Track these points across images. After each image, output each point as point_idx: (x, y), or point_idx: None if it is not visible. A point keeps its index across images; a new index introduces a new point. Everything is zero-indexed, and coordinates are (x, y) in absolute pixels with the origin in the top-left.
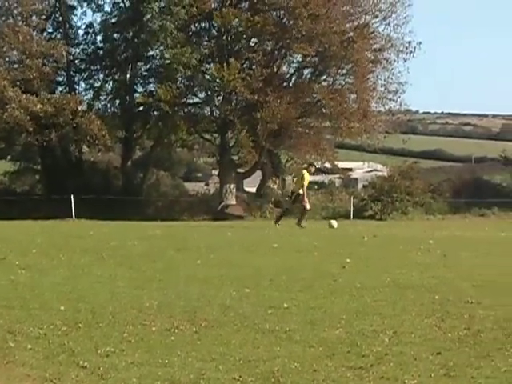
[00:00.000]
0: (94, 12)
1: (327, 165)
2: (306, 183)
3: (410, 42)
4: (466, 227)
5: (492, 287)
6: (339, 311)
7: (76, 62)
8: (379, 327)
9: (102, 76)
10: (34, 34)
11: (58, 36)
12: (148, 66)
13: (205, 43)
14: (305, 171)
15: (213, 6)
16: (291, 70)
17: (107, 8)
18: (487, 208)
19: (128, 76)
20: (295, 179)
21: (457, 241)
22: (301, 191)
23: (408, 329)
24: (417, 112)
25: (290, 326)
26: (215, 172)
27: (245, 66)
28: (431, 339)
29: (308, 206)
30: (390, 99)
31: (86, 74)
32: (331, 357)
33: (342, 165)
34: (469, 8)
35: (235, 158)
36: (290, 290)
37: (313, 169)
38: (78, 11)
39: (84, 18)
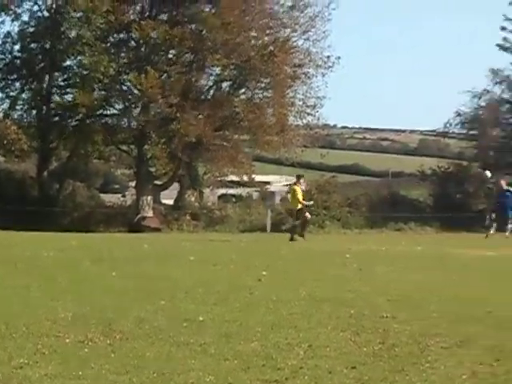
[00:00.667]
0: (12, 21)
1: (245, 178)
2: (300, 197)
3: (328, 57)
4: (383, 241)
5: (407, 302)
6: (255, 324)
7: None
8: (294, 340)
9: (18, 85)
10: None
11: None
12: (65, 76)
13: (123, 54)
14: (295, 187)
15: (132, 17)
16: (210, 83)
17: (25, 17)
18: (404, 223)
19: (45, 86)
20: (289, 196)
21: (373, 255)
22: (299, 206)
23: (323, 342)
24: (335, 126)
25: (205, 339)
26: (132, 184)
27: (163, 77)
28: (346, 353)
29: (309, 216)
30: (308, 113)
31: (3, 83)
32: (246, 370)
33: (259, 178)
34: (388, 23)
35: (152, 169)
36: (206, 303)
37: (302, 179)
38: None
39: (2, 27)
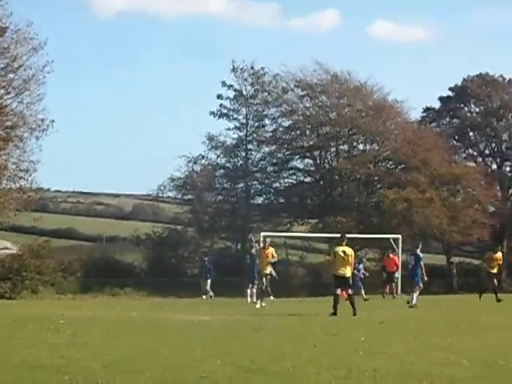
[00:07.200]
0: None
1: None
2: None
3: (43, 120)
4: (98, 306)
5: (122, 367)
6: None
7: None
8: None
9: None
10: None
11: None
12: None
13: None
14: None
15: None
16: None
17: None
18: (119, 287)
19: None
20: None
21: (87, 320)
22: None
23: None
24: (48, 190)
25: None
26: None
27: None
28: None
29: None
30: (21, 177)
31: None
32: None
33: None
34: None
35: None
36: None
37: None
38: None
39: None
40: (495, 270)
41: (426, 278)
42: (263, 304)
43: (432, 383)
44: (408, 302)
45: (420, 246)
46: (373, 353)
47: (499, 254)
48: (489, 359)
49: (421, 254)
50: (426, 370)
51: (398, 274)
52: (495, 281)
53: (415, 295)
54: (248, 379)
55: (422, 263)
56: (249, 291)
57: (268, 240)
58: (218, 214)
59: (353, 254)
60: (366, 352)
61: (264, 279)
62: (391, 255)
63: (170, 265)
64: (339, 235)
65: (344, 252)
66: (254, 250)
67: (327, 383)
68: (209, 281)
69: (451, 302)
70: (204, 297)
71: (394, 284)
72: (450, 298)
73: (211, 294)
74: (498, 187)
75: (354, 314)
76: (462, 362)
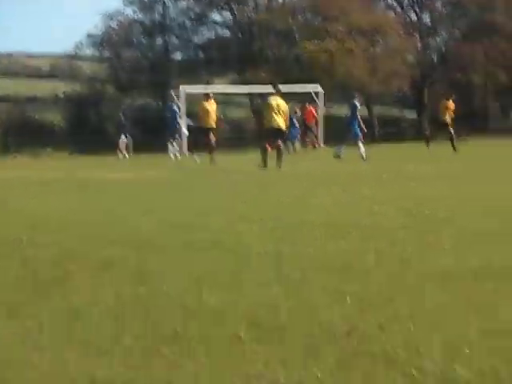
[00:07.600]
0: None
1: None
2: None
3: None
4: (18, 167)
5: (44, 227)
6: None
7: None
8: None
9: None
10: None
11: None
12: None
13: None
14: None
15: None
16: None
17: None
18: (40, 147)
19: None
20: None
21: (7, 182)
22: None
23: None
24: None
25: None
26: None
27: None
28: None
29: None
30: None
31: None
32: None
33: None
34: None
35: None
36: None
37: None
38: None
39: None
40: (448, 119)
41: (365, 130)
42: (197, 159)
43: (360, 233)
44: (363, 158)
45: (357, 96)
46: (299, 205)
47: (451, 102)
48: (414, 209)
49: (358, 104)
50: (351, 221)
51: (317, 126)
52: (451, 129)
53: (343, 146)
54: (175, 234)
55: (358, 114)
56: (170, 147)
57: (210, 91)
58: (136, 71)
59: (286, 106)
60: (292, 204)
61: (211, 134)
62: (309, 106)
63: (91, 123)
64: (272, 85)
65: (277, 104)
66: (175, 107)
67: (255, 237)
68: (122, 137)
69: (375, 152)
70: (121, 155)
71: (313, 135)
72: (373, 149)
73: (123, 152)
74: (418, 37)
75: (279, 166)
76: (387, 213)
